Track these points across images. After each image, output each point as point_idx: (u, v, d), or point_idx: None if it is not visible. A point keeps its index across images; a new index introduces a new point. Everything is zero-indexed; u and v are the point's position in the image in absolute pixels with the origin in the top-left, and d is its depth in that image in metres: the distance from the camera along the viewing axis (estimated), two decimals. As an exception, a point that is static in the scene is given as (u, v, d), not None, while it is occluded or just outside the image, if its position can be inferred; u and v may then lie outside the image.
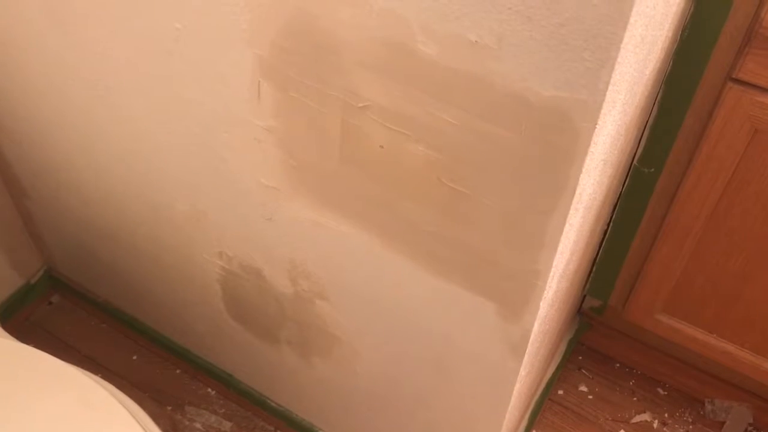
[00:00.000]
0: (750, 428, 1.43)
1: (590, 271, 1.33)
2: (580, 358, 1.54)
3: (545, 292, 0.79)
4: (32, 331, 1.55)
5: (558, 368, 1.49)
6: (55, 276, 1.59)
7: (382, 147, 0.78)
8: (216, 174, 0.98)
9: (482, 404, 1.00)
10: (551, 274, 0.77)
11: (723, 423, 1.44)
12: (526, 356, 0.89)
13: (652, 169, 1.14)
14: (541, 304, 0.80)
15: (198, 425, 1.43)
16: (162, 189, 1.09)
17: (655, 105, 1.06)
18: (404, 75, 0.70)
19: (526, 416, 1.37)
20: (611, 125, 0.70)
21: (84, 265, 1.47)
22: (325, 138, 0.82)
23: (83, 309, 1.59)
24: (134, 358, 1.52)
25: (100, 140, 1.09)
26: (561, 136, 0.65)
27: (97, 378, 1.00)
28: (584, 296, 1.44)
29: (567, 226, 0.72)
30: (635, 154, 1.13)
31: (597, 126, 0.63)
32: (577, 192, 0.69)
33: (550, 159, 0.67)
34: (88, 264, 1.45)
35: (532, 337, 0.86)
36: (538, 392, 1.42)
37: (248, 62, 0.81)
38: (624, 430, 1.44)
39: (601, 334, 1.52)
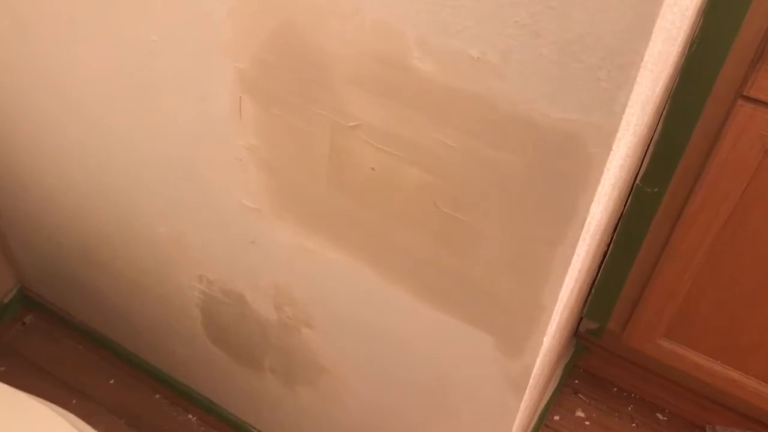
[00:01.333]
0: (753, 456, 1.38)
1: (588, 294, 1.28)
2: (577, 382, 1.49)
3: (549, 327, 0.73)
4: (4, 353, 1.50)
5: (554, 393, 1.44)
6: (29, 295, 1.54)
7: (373, 169, 0.72)
8: (196, 193, 0.93)
9: (479, 441, 0.94)
10: (556, 308, 0.71)
11: (725, 450, 1.39)
12: (527, 392, 0.83)
13: (656, 189, 1.08)
14: (544, 339, 0.74)
15: (177, 453, 1.37)
16: (140, 207, 1.04)
17: (661, 121, 1.01)
18: (398, 93, 0.64)
19: (522, 444, 1.32)
20: (623, 149, 0.64)
21: (59, 285, 1.42)
22: (312, 159, 0.76)
23: (58, 330, 1.54)
24: (111, 382, 1.46)
25: (75, 156, 1.04)
26: (571, 162, 0.59)
27: (63, 411, 0.94)
28: (581, 318, 1.39)
29: (575, 257, 0.66)
30: (638, 172, 1.08)
31: (611, 151, 0.57)
32: (587, 222, 0.63)
33: (558, 186, 0.61)
34: (64, 283, 1.40)
35: (534, 371, 0.80)
36: (534, 419, 1.37)
37: (229, 76, 0.75)
38: (623, 458, 1.39)
39: (598, 358, 1.46)
